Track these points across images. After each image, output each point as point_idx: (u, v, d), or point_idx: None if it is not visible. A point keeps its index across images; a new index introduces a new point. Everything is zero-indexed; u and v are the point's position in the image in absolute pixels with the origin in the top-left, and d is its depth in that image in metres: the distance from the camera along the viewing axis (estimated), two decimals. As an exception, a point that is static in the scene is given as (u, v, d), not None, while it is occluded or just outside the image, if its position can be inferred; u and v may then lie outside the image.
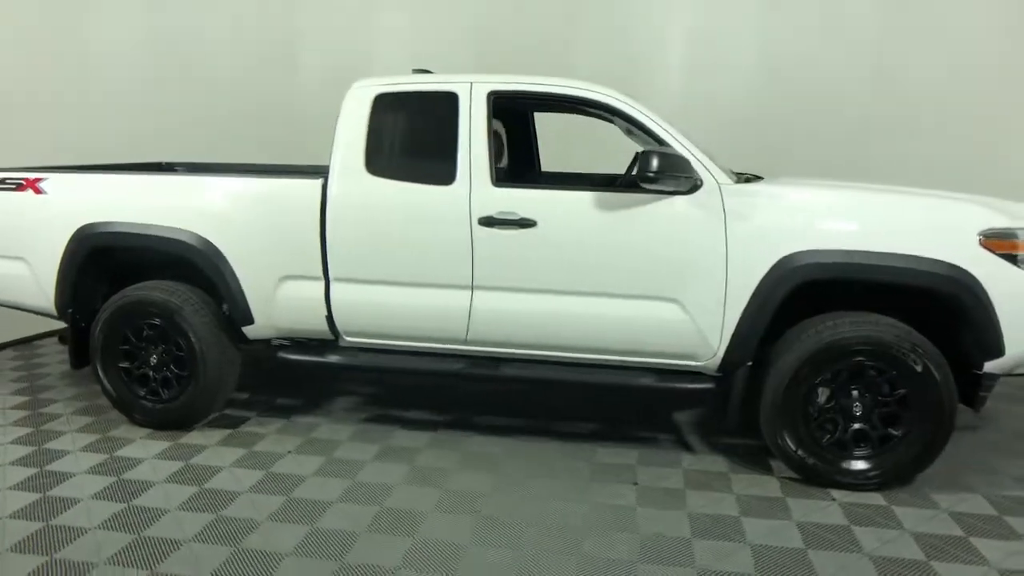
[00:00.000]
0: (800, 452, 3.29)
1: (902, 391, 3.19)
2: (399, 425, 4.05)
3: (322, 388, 4.63)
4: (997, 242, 3.09)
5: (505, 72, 3.66)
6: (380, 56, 6.53)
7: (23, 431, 3.91)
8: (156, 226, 3.70)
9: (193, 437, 3.87)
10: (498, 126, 4.72)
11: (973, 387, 3.26)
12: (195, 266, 3.71)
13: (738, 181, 3.51)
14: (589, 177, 4.53)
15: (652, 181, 3.16)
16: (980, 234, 3.10)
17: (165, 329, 3.80)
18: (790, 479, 3.41)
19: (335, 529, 2.98)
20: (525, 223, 3.40)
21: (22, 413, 4.16)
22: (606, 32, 6.18)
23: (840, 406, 3.27)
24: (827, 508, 3.17)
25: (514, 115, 4.81)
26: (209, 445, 3.78)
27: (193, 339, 3.76)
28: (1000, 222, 3.13)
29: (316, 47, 6.67)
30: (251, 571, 2.68)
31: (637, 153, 3.33)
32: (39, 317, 4.23)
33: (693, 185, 3.27)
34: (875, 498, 3.25)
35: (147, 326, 3.83)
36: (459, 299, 3.54)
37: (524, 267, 3.44)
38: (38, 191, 3.87)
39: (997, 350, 3.12)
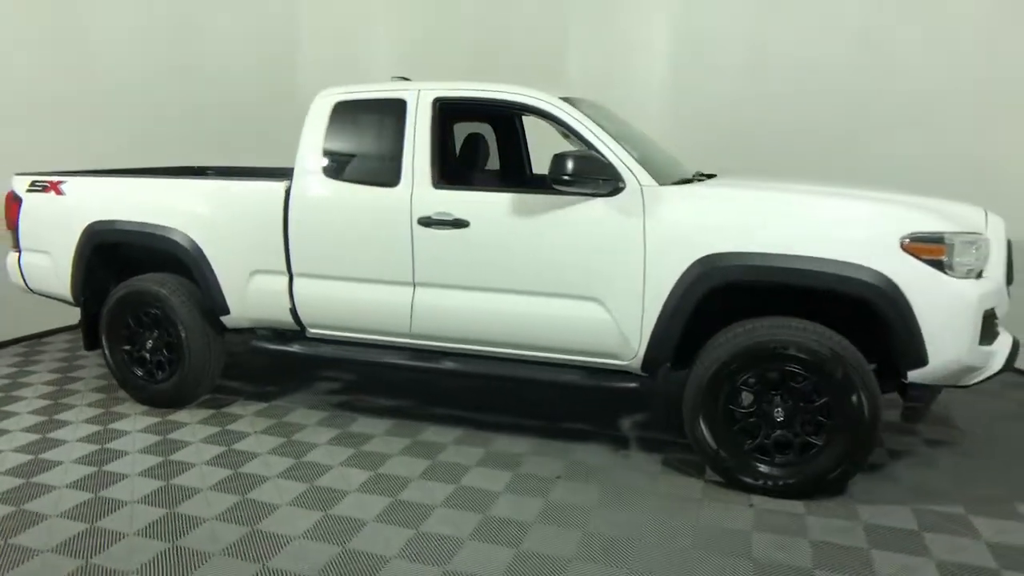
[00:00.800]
0: (721, 454, 3.29)
1: (824, 399, 3.13)
2: (369, 414, 4.30)
3: (316, 378, 4.95)
4: (921, 246, 2.98)
5: (499, 79, 3.81)
6: (379, 59, 6.88)
7: (44, 403, 4.45)
8: (147, 223, 4.13)
9: (181, 415, 4.28)
10: (486, 130, 4.92)
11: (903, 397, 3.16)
12: (180, 259, 4.11)
13: (689, 181, 3.55)
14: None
15: (566, 184, 3.26)
16: (903, 238, 3.00)
17: (159, 317, 4.23)
18: (716, 483, 3.40)
19: (263, 501, 3.26)
20: (459, 223, 3.57)
21: (50, 388, 4.72)
22: (600, 31, 6.26)
23: (762, 411, 3.24)
24: (740, 513, 3.15)
25: (503, 120, 4.98)
26: (190, 423, 4.17)
27: (180, 327, 4.16)
28: (926, 226, 3.02)
29: (319, 51, 7.15)
30: (174, 532, 3.00)
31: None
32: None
33: (615, 188, 3.34)
34: (794, 506, 3.20)
35: (144, 314, 4.27)
36: (403, 295, 3.75)
37: (458, 265, 3.61)
38: (59, 192, 4.40)
39: (919, 359, 3.01)
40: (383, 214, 3.71)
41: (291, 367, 5.09)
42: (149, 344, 4.32)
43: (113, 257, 4.42)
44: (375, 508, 3.20)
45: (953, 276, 2.99)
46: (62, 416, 4.25)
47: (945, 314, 2.98)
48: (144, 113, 6.35)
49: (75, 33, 5.96)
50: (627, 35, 6.31)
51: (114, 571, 2.73)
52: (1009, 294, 3.34)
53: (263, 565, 2.77)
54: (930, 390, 3.18)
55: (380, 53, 7.01)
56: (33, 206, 4.46)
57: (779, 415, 3.21)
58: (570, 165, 3.23)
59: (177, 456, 3.73)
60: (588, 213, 3.37)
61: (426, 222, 3.62)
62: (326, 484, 3.43)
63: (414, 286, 3.73)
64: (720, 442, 3.27)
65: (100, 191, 4.33)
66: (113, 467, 3.60)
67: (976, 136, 5.18)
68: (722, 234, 3.18)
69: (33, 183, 4.47)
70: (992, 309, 3.12)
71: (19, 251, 4.58)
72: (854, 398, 3.05)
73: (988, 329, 3.10)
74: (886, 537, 2.95)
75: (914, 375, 3.07)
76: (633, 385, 3.47)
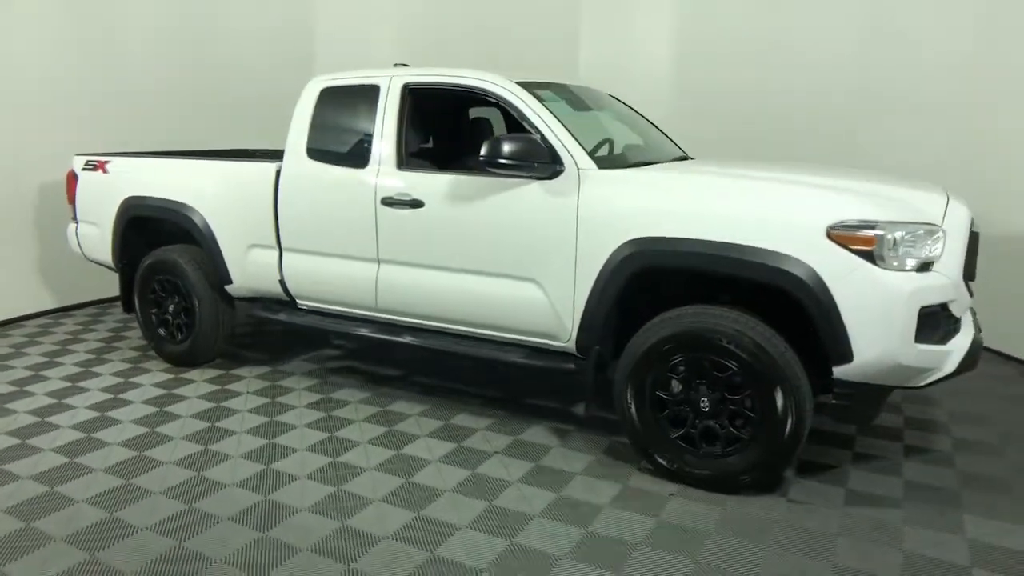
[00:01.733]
0: (646, 441, 3.25)
1: (747, 391, 3.03)
2: (356, 383, 4.55)
3: (327, 346, 5.28)
4: (847, 235, 2.81)
5: (508, 67, 3.97)
6: (393, 49, 7.13)
7: (88, 357, 5.05)
8: (167, 199, 4.58)
9: (193, 374, 4.73)
10: (495, 115, 5.03)
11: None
12: (191, 232, 4.53)
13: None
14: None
15: (501, 167, 3.32)
16: (830, 226, 2.83)
17: (178, 285, 4.69)
18: (648, 471, 3.36)
19: (220, 451, 3.59)
20: (416, 204, 3.72)
21: (99, 344, 5.34)
22: (610, 21, 6.19)
23: (688, 399, 3.17)
24: (656, 502, 3.11)
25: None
26: (197, 380, 4.60)
27: (192, 294, 4.60)
28: (857, 213, 2.84)
29: (335, 44, 7.56)
30: (133, 471, 3.38)
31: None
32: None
33: (553, 171, 3.36)
34: (717, 499, 3.11)
35: (167, 281, 4.75)
36: (370, 271, 3.96)
37: (414, 244, 3.77)
38: (105, 171, 4.96)
39: (843, 355, 2.84)
40: (354, 194, 3.93)
41: (308, 337, 5.45)
42: (171, 308, 4.80)
43: (145, 229, 4.92)
44: (312, 466, 3.44)
45: (884, 268, 2.80)
46: (96, 368, 4.81)
47: (872, 308, 2.79)
48: (183, 105, 6.87)
49: (118, 34, 6.42)
50: (637, 23, 6.23)
51: (68, 498, 3.13)
52: (971, 291, 3.07)
53: (190, 505, 3.08)
54: (864, 388, 2.97)
55: (394, 43, 7.30)
56: (86, 182, 5.06)
57: (705, 405, 3.13)
58: (504, 148, 3.29)
59: (171, 408, 4.15)
60: (526, 195, 3.42)
61: (388, 202, 3.80)
62: (282, 442, 3.71)
63: (378, 263, 3.92)
64: (644, 422, 3.22)
65: (135, 170, 4.84)
66: (114, 413, 4.06)
67: (982, 125, 4.80)
68: (646, 218, 3.13)
69: (87, 162, 5.06)
70: (940, 305, 2.89)
71: (76, 223, 5.20)
72: (776, 394, 2.93)
73: (932, 327, 2.88)
74: (795, 538, 2.82)
75: (840, 371, 2.90)
76: (571, 367, 3.49)
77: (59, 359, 5.01)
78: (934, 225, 2.91)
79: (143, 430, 3.85)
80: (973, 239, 3.05)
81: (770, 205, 2.96)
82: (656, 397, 3.21)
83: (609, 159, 3.64)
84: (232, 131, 6.82)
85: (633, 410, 3.25)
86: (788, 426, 2.94)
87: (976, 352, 3.03)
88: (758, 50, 5.86)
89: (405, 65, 4.35)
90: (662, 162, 3.93)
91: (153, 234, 4.95)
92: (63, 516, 3.00)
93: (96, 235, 5.07)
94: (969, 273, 3.03)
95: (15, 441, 3.71)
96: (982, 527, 2.91)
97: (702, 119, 5.84)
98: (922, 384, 2.99)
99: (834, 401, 2.97)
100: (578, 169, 3.34)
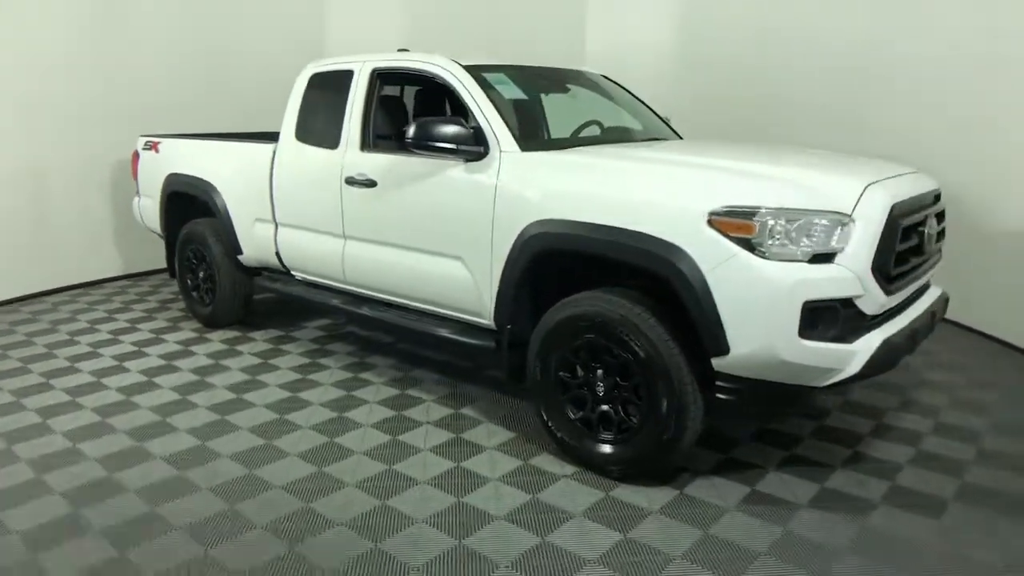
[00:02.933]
0: (550, 424, 3.28)
1: (634, 379, 2.98)
2: (348, 351, 4.87)
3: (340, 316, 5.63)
4: (727, 222, 2.68)
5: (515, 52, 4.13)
6: (400, 37, 7.27)
7: (139, 315, 5.73)
8: (194, 176, 5.11)
9: (215, 334, 5.24)
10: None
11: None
12: (209, 206, 5.02)
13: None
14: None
15: (424, 148, 3.43)
16: (711, 211, 2.72)
17: (204, 255, 5.22)
18: (556, 455, 3.37)
19: (190, 400, 4.01)
20: (371, 183, 3.93)
21: (153, 306, 6.03)
22: (614, 6, 6.02)
23: (586, 383, 3.16)
24: (542, 480, 3.15)
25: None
26: (213, 340, 5.10)
27: (213, 263, 5.11)
28: (738, 199, 2.70)
29: (346, 33, 7.76)
30: (112, 412, 3.88)
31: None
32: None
33: (478, 153, 3.44)
34: (604, 483, 3.11)
35: (196, 251, 5.29)
36: (338, 245, 4.23)
37: (368, 221, 3.99)
38: (157, 150, 5.58)
39: (718, 347, 2.72)
40: (326, 173, 4.20)
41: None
42: (200, 275, 5.34)
43: (182, 202, 5.48)
44: (257, 420, 3.77)
45: (765, 257, 2.65)
46: (141, 325, 5.46)
47: (748, 300, 2.65)
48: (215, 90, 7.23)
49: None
50: (642, 3, 6.02)
51: (50, 429, 3.67)
52: (888, 291, 2.82)
53: (142, 445, 3.50)
54: (763, 387, 2.82)
55: (404, 32, 7.48)
56: (145, 160, 5.72)
57: (600, 389, 3.12)
58: (429, 130, 3.41)
59: (177, 363, 4.65)
60: (454, 176, 3.52)
61: (350, 181, 4.04)
62: (249, 398, 4.07)
63: (344, 238, 4.18)
64: (548, 402, 3.27)
65: (177, 149, 5.42)
66: (129, 364, 4.63)
67: (978, 107, 4.28)
68: (550, 200, 3.15)
69: (146, 143, 5.72)
70: (839, 300, 2.70)
71: (139, 196, 5.89)
72: (657, 381, 2.87)
73: (827, 322, 2.70)
74: (658, 531, 2.77)
75: (720, 364, 2.78)
76: (492, 344, 3.57)
77: (116, 315, 5.72)
78: (836, 213, 2.71)
79: (143, 379, 4.36)
80: (890, 230, 2.78)
81: (655, 189, 2.88)
82: (559, 378, 3.23)
83: (545, 142, 3.64)
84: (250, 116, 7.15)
85: (538, 389, 3.29)
86: (668, 416, 2.87)
87: (889, 353, 2.79)
88: (764, 31, 5.61)
89: (406, 50, 4.54)
90: (630, 142, 3.91)
91: (188, 208, 5.51)
92: (38, 443, 3.52)
93: (151, 207, 5.72)
94: (882, 269, 2.77)
95: (41, 380, 4.35)
96: (872, 549, 2.70)
97: (707, 100, 5.61)
98: (824, 384, 2.80)
99: (720, 396, 2.85)
100: (500, 151, 3.40)
